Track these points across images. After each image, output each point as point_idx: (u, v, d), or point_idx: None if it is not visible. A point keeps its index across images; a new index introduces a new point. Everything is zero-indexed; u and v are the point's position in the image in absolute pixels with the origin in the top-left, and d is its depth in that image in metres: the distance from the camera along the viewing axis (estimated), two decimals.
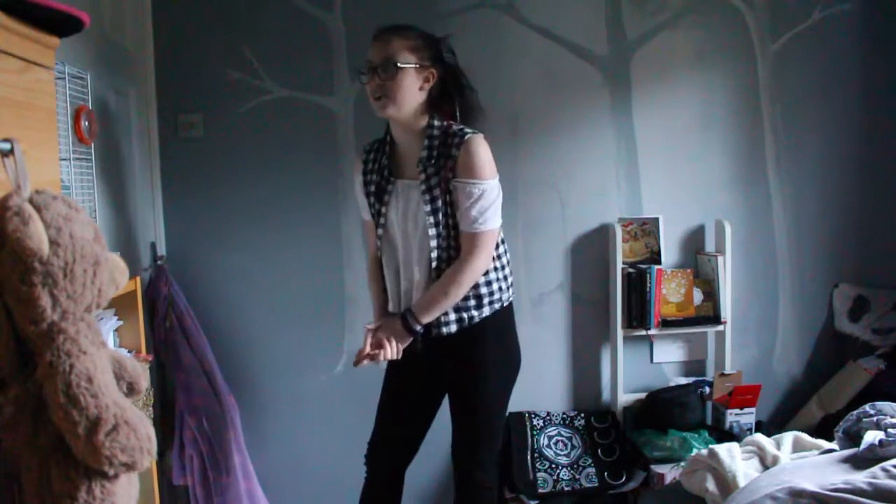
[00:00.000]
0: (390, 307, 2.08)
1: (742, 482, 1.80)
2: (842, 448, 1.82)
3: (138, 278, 2.20)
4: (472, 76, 2.05)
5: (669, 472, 2.54)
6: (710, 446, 2.00)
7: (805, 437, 2.07)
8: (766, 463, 1.95)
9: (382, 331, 2.00)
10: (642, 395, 2.83)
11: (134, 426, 0.92)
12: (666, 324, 2.79)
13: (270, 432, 2.78)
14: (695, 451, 2.37)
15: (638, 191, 2.88)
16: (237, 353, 2.73)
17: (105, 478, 0.94)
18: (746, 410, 2.74)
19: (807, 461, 1.80)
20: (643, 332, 2.80)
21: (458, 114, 1.99)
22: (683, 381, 2.89)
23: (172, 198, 2.70)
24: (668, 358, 2.94)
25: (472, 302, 1.97)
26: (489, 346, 2.01)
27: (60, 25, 1.15)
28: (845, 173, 2.94)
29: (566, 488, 2.63)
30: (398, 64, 1.88)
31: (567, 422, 2.83)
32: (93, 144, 1.98)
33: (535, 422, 2.80)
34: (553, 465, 2.68)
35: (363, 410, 2.20)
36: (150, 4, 2.62)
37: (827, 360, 2.96)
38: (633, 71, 2.83)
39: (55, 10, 1.09)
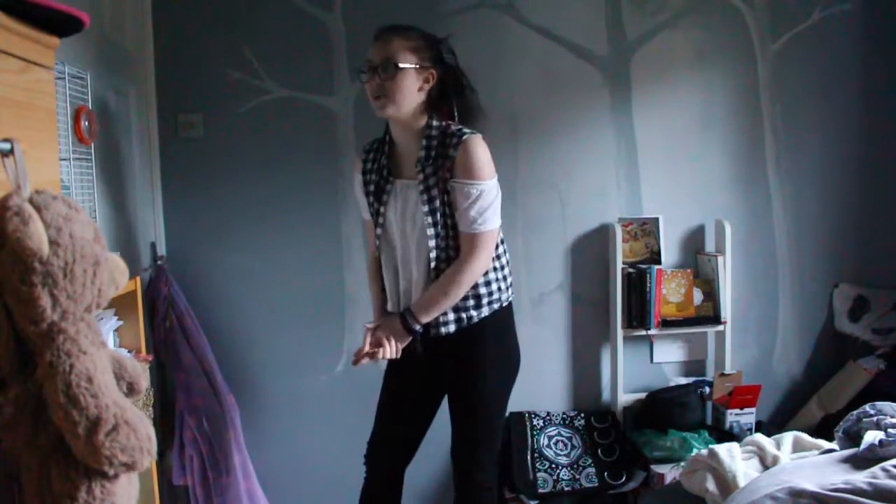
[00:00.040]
0: (389, 307, 2.09)
1: (742, 482, 1.80)
2: (842, 448, 1.82)
3: (138, 278, 2.20)
4: (472, 76, 2.05)
5: (669, 472, 2.54)
6: (710, 446, 2.00)
7: (805, 437, 2.07)
8: (766, 463, 1.95)
9: (382, 330, 2.00)
10: (642, 395, 2.83)
11: (134, 426, 0.92)
12: (666, 324, 2.79)
13: (270, 432, 2.78)
14: (695, 451, 2.37)
15: (638, 191, 2.88)
16: (237, 353, 2.73)
17: (105, 478, 0.94)
18: (746, 410, 2.74)
19: (807, 461, 1.80)
20: (643, 332, 2.80)
21: (455, 114, 1.98)
22: (683, 381, 2.89)
23: (172, 198, 2.70)
24: (668, 358, 2.94)
25: (471, 302, 1.97)
26: (488, 346, 2.01)
27: (60, 25, 1.15)
28: (845, 173, 2.94)
29: (566, 488, 2.63)
30: (398, 64, 1.88)
31: (567, 422, 2.83)
32: (93, 144, 1.98)
33: (535, 422, 2.80)
34: (553, 465, 2.68)
35: (363, 410, 2.20)
36: (150, 4, 2.62)
37: (827, 360, 2.96)
38: (633, 71, 2.83)
39: (55, 10, 1.09)
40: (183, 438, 2.47)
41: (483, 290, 1.98)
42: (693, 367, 2.96)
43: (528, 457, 2.70)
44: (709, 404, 2.83)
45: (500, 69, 2.77)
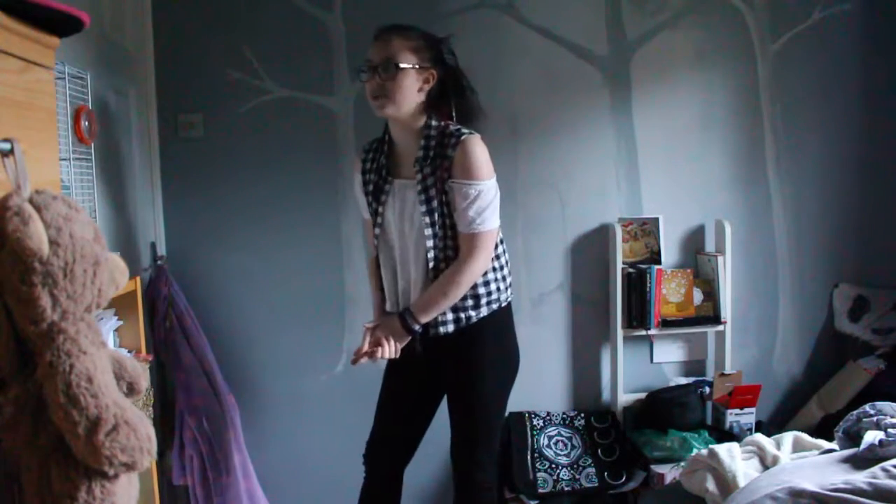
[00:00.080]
0: (387, 306, 2.09)
1: (742, 482, 1.80)
2: (842, 448, 1.82)
3: (138, 278, 2.20)
4: (472, 76, 2.05)
5: (669, 472, 2.54)
6: (710, 446, 2.00)
7: (805, 437, 2.07)
8: (766, 463, 1.95)
9: (381, 330, 2.00)
10: (642, 395, 2.83)
11: (134, 426, 0.92)
12: (666, 324, 2.79)
13: (270, 432, 2.78)
14: (695, 451, 2.37)
15: (638, 191, 2.88)
16: (237, 353, 2.73)
17: (105, 478, 0.94)
18: (746, 410, 2.74)
19: (807, 461, 1.80)
20: (643, 332, 2.80)
21: (454, 114, 1.98)
22: (683, 381, 2.89)
23: (172, 198, 2.70)
24: (668, 358, 2.94)
25: (470, 302, 1.97)
26: (487, 346, 2.01)
27: (60, 25, 1.15)
28: (845, 173, 2.94)
29: (566, 488, 2.63)
30: (399, 64, 1.88)
31: (567, 422, 2.83)
32: (93, 144, 1.98)
33: (535, 422, 2.80)
34: (553, 465, 2.68)
35: (363, 410, 2.20)
36: (150, 4, 2.62)
37: (827, 360, 2.96)
38: (633, 71, 2.83)
39: (55, 10, 1.09)
40: (183, 438, 2.47)
41: (482, 291, 1.98)
42: (693, 367, 2.96)
43: (528, 457, 2.70)
44: (709, 404, 2.83)
45: (500, 69, 2.77)
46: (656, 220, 2.84)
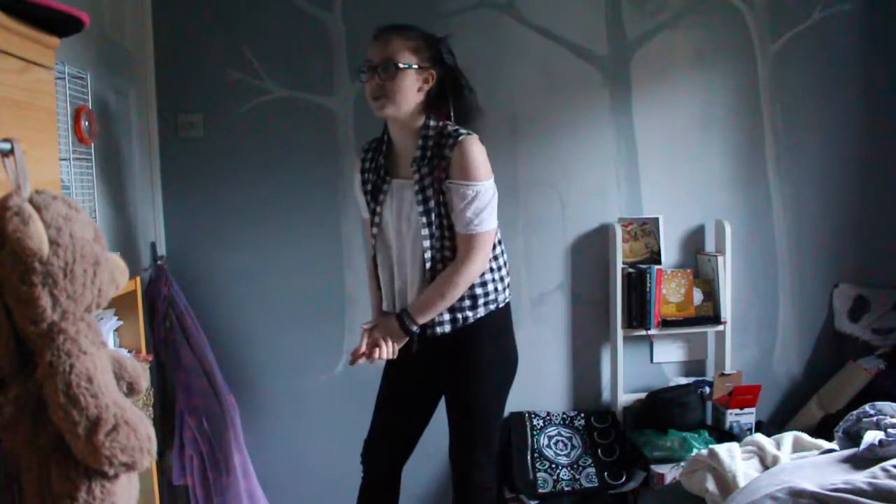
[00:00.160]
0: (384, 306, 2.09)
1: (742, 482, 1.80)
2: (842, 448, 1.82)
3: (138, 278, 2.20)
4: (472, 76, 2.05)
5: (669, 472, 2.54)
6: (710, 446, 2.00)
7: (805, 437, 2.07)
8: (766, 463, 1.95)
9: (379, 330, 2.00)
10: (642, 395, 2.83)
11: (134, 426, 0.92)
12: (666, 324, 2.79)
13: (270, 432, 2.78)
14: (695, 451, 2.37)
15: (638, 191, 2.88)
16: (237, 353, 2.73)
17: (105, 478, 0.93)
18: (746, 410, 2.74)
19: (807, 461, 1.80)
20: (643, 332, 2.79)
21: (452, 114, 1.98)
22: (683, 381, 2.89)
23: (172, 198, 2.70)
24: (668, 358, 2.94)
25: (467, 302, 1.97)
26: (485, 346, 2.01)
27: (60, 25, 1.15)
28: (845, 173, 2.94)
29: (566, 488, 2.63)
30: (398, 64, 1.88)
31: (567, 422, 2.83)
32: (93, 144, 1.98)
33: (535, 422, 2.80)
34: (553, 465, 2.68)
35: (363, 410, 2.20)
36: (150, 4, 2.62)
37: (827, 360, 2.96)
38: (633, 71, 2.83)
39: (55, 10, 1.09)
40: (183, 438, 2.47)
41: (479, 291, 1.97)
42: (693, 367, 2.96)
43: (528, 457, 2.69)
44: (709, 404, 2.83)
45: (500, 69, 2.77)
46: (656, 220, 2.84)
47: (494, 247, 2.00)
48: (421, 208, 1.92)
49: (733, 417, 2.73)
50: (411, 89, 1.91)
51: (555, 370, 2.90)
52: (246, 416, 2.67)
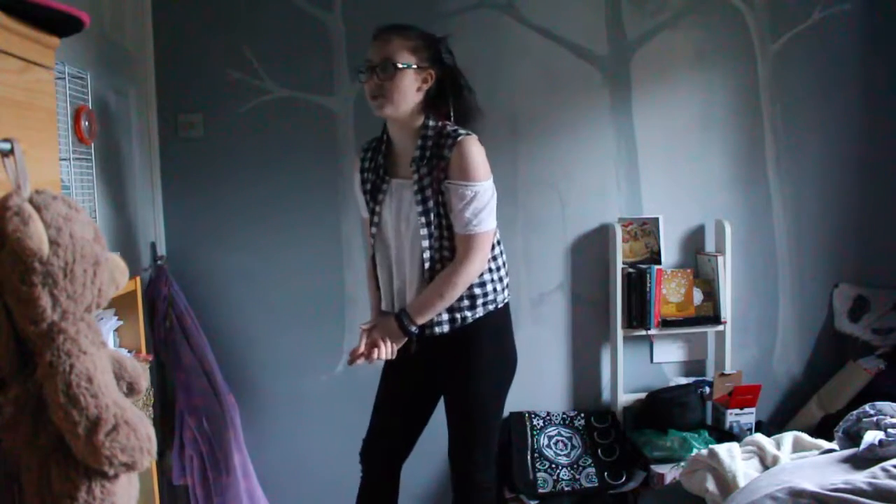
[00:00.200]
0: (383, 305, 2.09)
1: (742, 482, 1.80)
2: (842, 448, 1.82)
3: (138, 278, 2.20)
4: (472, 76, 2.05)
5: (669, 472, 2.54)
6: (710, 446, 2.00)
7: (805, 437, 2.07)
8: (766, 463, 1.95)
9: (377, 331, 2.00)
10: (642, 395, 2.83)
11: (134, 426, 0.92)
12: (666, 324, 2.79)
13: (270, 432, 2.78)
14: (695, 451, 2.37)
15: (638, 191, 2.88)
16: (237, 353, 2.73)
17: (105, 478, 0.93)
18: (746, 410, 2.74)
19: (807, 461, 1.80)
20: (643, 332, 2.79)
21: (452, 114, 1.98)
22: (683, 381, 2.89)
23: (172, 198, 2.70)
24: (668, 358, 2.94)
25: (466, 302, 1.97)
26: (484, 346, 2.01)
27: (60, 25, 1.15)
28: (845, 173, 2.94)
29: (566, 488, 2.63)
30: (397, 64, 1.88)
31: (567, 422, 2.83)
32: (93, 144, 1.98)
33: (535, 422, 2.80)
34: (553, 465, 2.68)
35: (363, 410, 2.20)
36: (150, 4, 2.62)
37: (827, 360, 2.96)
38: (633, 71, 2.83)
39: (55, 10, 1.09)
40: (183, 438, 2.47)
41: (478, 291, 1.97)
42: (693, 367, 2.96)
43: (528, 457, 2.70)
44: (709, 404, 2.83)
45: (500, 69, 2.77)
46: (656, 220, 2.84)
47: (493, 247, 2.00)
48: (420, 208, 1.92)
49: (733, 417, 2.73)
50: (410, 89, 1.91)
51: (555, 370, 2.90)
52: (246, 415, 2.68)
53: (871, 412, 1.81)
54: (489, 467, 2.08)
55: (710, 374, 2.88)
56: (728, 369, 2.81)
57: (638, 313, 2.77)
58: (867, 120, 2.92)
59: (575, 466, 2.70)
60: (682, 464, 2.31)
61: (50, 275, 0.91)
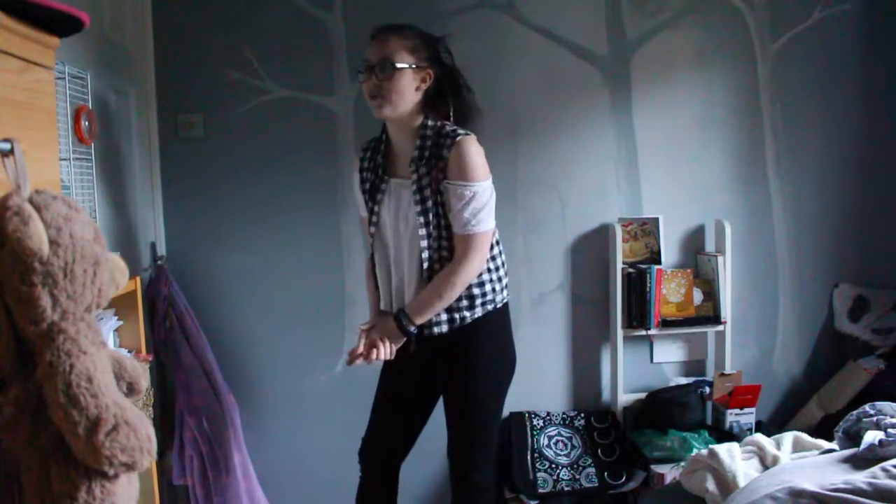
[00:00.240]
0: (381, 305, 2.09)
1: (742, 482, 1.80)
2: (842, 448, 1.82)
3: (138, 278, 2.20)
4: (472, 76, 2.05)
5: (669, 472, 2.54)
6: (710, 446, 2.00)
7: (805, 437, 2.07)
8: (766, 463, 1.95)
9: (376, 331, 2.00)
10: (642, 395, 2.83)
11: (134, 426, 0.92)
12: (666, 324, 2.79)
13: (270, 432, 2.78)
14: (695, 451, 2.37)
15: (638, 191, 2.88)
16: (237, 352, 2.73)
17: (105, 478, 0.93)
18: (746, 410, 2.74)
19: (807, 461, 1.80)
20: (643, 332, 2.79)
21: (452, 114, 1.98)
22: (683, 381, 2.89)
23: (172, 198, 2.70)
24: (668, 358, 2.94)
25: (465, 303, 1.97)
26: (483, 346, 2.01)
27: (60, 25, 1.15)
28: (845, 173, 2.94)
29: (566, 488, 2.63)
30: (395, 64, 1.88)
31: (567, 422, 2.83)
32: (93, 144, 1.98)
33: (535, 422, 2.80)
34: (553, 465, 2.68)
35: (362, 410, 2.20)
36: (150, 4, 2.62)
37: (827, 360, 2.96)
38: (633, 71, 2.83)
39: (55, 10, 1.09)
40: (183, 438, 2.47)
41: (476, 291, 1.97)
42: (693, 367, 2.96)
43: (528, 457, 2.69)
44: (709, 404, 2.83)
45: (500, 69, 2.77)
46: (656, 220, 2.84)
47: (492, 247, 2.00)
48: (418, 208, 1.92)
49: (733, 417, 2.73)
50: (409, 89, 1.91)
51: (555, 370, 2.90)
52: (246, 415, 2.68)
53: (871, 412, 1.81)
54: (488, 467, 2.08)
55: (710, 374, 2.88)
56: (728, 369, 2.81)
57: (638, 313, 2.77)
58: (867, 120, 2.92)
59: (575, 466, 2.70)
60: (682, 464, 2.31)
61: (50, 275, 0.91)
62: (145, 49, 2.60)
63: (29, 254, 0.88)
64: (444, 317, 1.96)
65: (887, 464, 1.55)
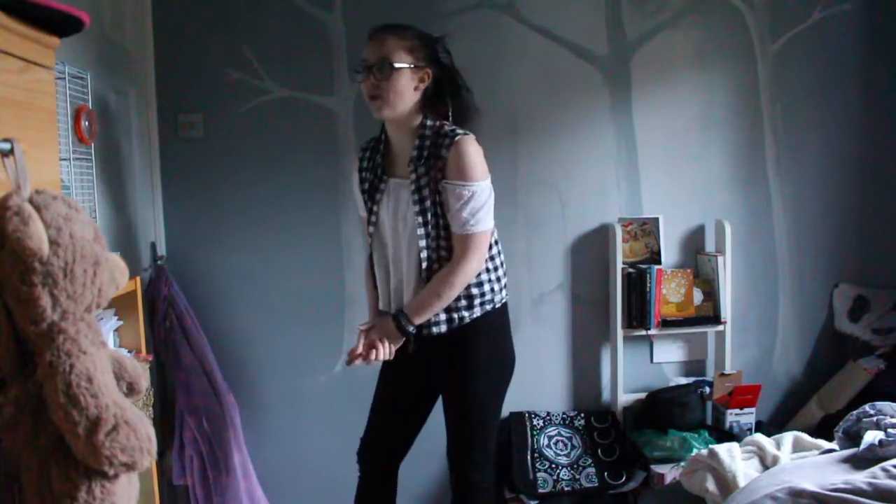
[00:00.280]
0: (380, 304, 2.09)
1: (742, 482, 1.80)
2: (842, 448, 1.82)
3: (138, 278, 2.20)
4: (472, 76, 2.05)
5: (669, 472, 2.54)
6: (710, 446, 2.00)
7: (805, 437, 2.07)
8: (766, 463, 1.95)
9: (375, 332, 2.00)
10: (642, 395, 2.83)
11: (134, 426, 0.92)
12: (666, 324, 2.79)
13: (270, 432, 2.78)
14: (695, 451, 2.37)
15: (638, 191, 2.88)
16: (237, 352, 2.73)
17: (105, 478, 0.93)
18: (746, 410, 2.74)
19: (807, 461, 1.80)
20: (643, 332, 2.79)
21: (450, 114, 1.98)
22: (683, 381, 2.89)
23: (172, 198, 2.70)
24: (668, 358, 2.94)
25: (463, 303, 1.96)
26: (482, 346, 2.01)
27: (60, 25, 1.15)
28: (845, 173, 2.94)
29: (566, 488, 2.63)
30: (394, 64, 1.88)
31: (567, 422, 2.83)
32: (93, 144, 1.98)
33: (535, 422, 2.80)
34: (553, 465, 2.68)
35: (362, 410, 2.20)
36: (150, 4, 2.62)
37: (827, 360, 2.96)
38: (633, 71, 2.83)
39: (55, 10, 1.09)
40: (183, 438, 2.47)
41: (475, 291, 1.97)
42: (693, 367, 2.96)
43: (528, 457, 2.70)
44: (709, 404, 2.83)
45: (500, 69, 2.77)
46: (656, 220, 2.84)
47: (491, 247, 1.99)
48: (417, 208, 1.92)
49: (733, 417, 2.73)
50: (407, 89, 1.90)
51: (555, 370, 2.90)
52: (246, 415, 2.68)
53: (871, 412, 1.81)
54: (487, 467, 2.08)
55: (710, 374, 2.88)
56: (728, 369, 2.81)
57: (638, 313, 2.77)
58: (867, 120, 2.92)
59: (575, 466, 2.70)
60: (682, 464, 2.31)
61: (50, 275, 0.91)
62: (145, 49, 2.60)
63: (29, 254, 0.88)
64: (442, 317, 1.96)
65: (887, 464, 1.55)
